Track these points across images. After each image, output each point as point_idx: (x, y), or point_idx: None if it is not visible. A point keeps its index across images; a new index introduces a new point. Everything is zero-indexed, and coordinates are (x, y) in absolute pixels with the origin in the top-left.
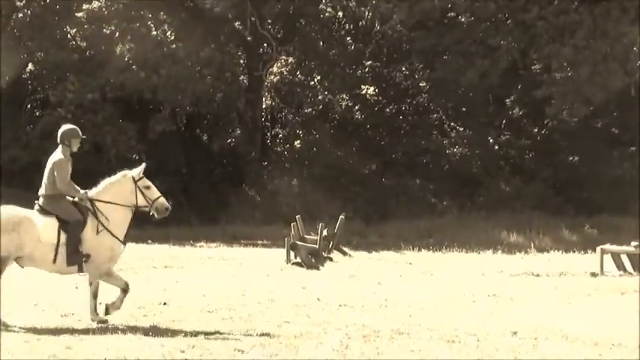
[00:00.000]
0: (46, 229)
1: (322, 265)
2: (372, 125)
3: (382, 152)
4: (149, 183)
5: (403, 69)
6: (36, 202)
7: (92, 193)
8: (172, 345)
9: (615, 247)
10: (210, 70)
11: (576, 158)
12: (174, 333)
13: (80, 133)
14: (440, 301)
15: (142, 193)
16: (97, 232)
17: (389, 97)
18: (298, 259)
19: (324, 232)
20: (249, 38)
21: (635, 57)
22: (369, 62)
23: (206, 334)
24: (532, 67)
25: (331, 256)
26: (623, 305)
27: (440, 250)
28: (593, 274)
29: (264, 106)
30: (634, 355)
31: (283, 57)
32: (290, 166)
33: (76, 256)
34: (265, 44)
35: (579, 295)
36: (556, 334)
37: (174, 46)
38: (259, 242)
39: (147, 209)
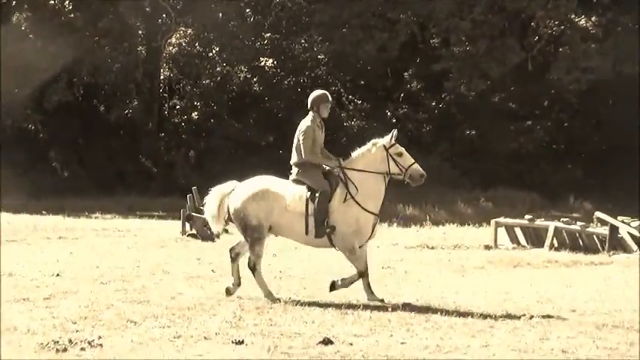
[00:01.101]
0: (294, 198)
1: (218, 237)
2: (270, 97)
3: (280, 124)
4: (401, 149)
5: (302, 41)
6: (290, 171)
7: (345, 162)
8: (64, 316)
9: (509, 221)
10: (108, 41)
11: (473, 132)
12: (66, 304)
13: (329, 98)
14: (334, 273)
15: (394, 160)
16: (344, 200)
17: (287, 69)
18: (194, 231)
19: None
20: (147, 9)
21: (533, 32)
22: (268, 34)
23: (99, 305)
24: (431, 41)
25: (227, 227)
26: (516, 278)
27: None
28: (487, 247)
29: (162, 77)
30: (525, 327)
31: (182, 28)
32: (187, 137)
33: (321, 228)
34: (164, 15)
35: (473, 268)
36: (449, 306)
37: (72, 15)
38: (155, 214)
39: (400, 177)
